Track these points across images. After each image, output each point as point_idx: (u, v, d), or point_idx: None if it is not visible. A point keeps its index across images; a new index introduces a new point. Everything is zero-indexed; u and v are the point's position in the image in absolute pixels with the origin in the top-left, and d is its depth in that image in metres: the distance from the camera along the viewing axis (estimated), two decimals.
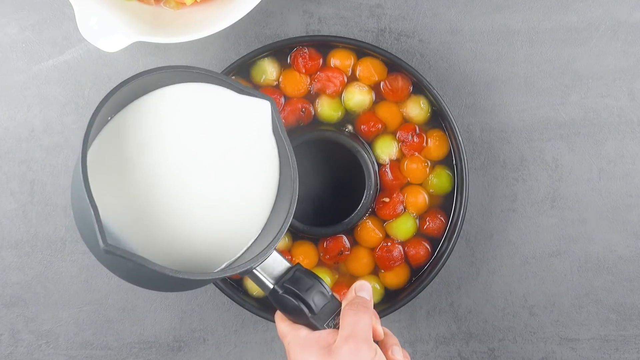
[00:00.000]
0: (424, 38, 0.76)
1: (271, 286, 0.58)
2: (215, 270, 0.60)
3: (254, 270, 0.58)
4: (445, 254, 0.70)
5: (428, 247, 0.71)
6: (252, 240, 0.62)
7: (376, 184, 0.70)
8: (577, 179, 0.76)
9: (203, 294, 0.75)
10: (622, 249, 0.76)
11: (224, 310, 0.75)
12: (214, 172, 0.61)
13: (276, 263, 0.59)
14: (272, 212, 0.62)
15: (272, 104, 0.61)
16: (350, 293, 0.62)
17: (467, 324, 0.75)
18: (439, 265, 0.70)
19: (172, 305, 0.76)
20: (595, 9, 0.76)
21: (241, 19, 0.69)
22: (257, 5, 0.70)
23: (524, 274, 0.75)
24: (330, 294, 0.58)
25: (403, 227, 0.72)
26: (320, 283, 0.57)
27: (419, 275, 0.71)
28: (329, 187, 0.74)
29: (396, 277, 0.72)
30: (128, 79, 0.58)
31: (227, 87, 0.62)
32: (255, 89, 0.66)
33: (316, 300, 0.57)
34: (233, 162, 0.62)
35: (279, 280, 0.58)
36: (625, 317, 0.76)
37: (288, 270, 0.58)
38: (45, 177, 0.77)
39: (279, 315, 0.61)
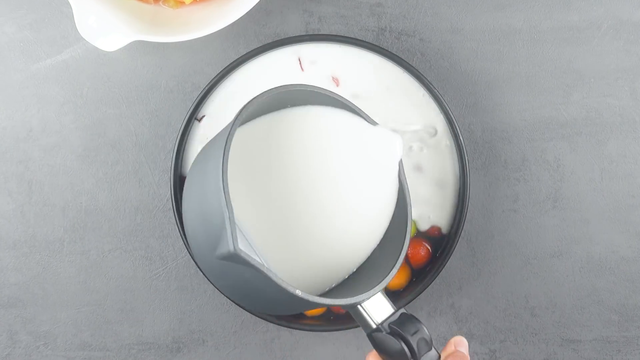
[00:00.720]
0: (425, 37, 0.75)
1: (374, 325, 0.58)
2: (321, 294, 0.60)
3: (359, 307, 0.58)
4: (446, 255, 0.70)
5: (429, 247, 0.71)
6: (354, 269, 0.63)
7: None
8: (579, 179, 0.76)
9: (202, 294, 0.75)
10: (625, 250, 0.75)
11: (223, 311, 0.75)
12: (342, 195, 0.63)
13: (380, 303, 0.59)
14: (379, 248, 0.63)
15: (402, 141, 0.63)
16: (450, 347, 0.62)
17: (468, 325, 0.75)
18: (439, 266, 0.70)
19: (171, 306, 0.76)
20: (597, 8, 0.75)
21: (240, 17, 0.69)
22: (256, 4, 0.69)
23: (526, 275, 0.75)
24: (431, 342, 0.59)
25: None
26: (425, 329, 0.57)
27: (420, 276, 0.71)
28: None
29: (396, 277, 0.70)
30: (278, 87, 0.59)
31: (361, 117, 0.64)
32: None
33: (420, 346, 0.57)
34: (361, 189, 0.64)
35: (383, 320, 0.58)
36: (627, 318, 0.75)
37: (393, 312, 0.59)
38: (44, 177, 0.76)
39: (372, 356, 0.62)
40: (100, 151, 0.76)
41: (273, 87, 0.61)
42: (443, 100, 0.70)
